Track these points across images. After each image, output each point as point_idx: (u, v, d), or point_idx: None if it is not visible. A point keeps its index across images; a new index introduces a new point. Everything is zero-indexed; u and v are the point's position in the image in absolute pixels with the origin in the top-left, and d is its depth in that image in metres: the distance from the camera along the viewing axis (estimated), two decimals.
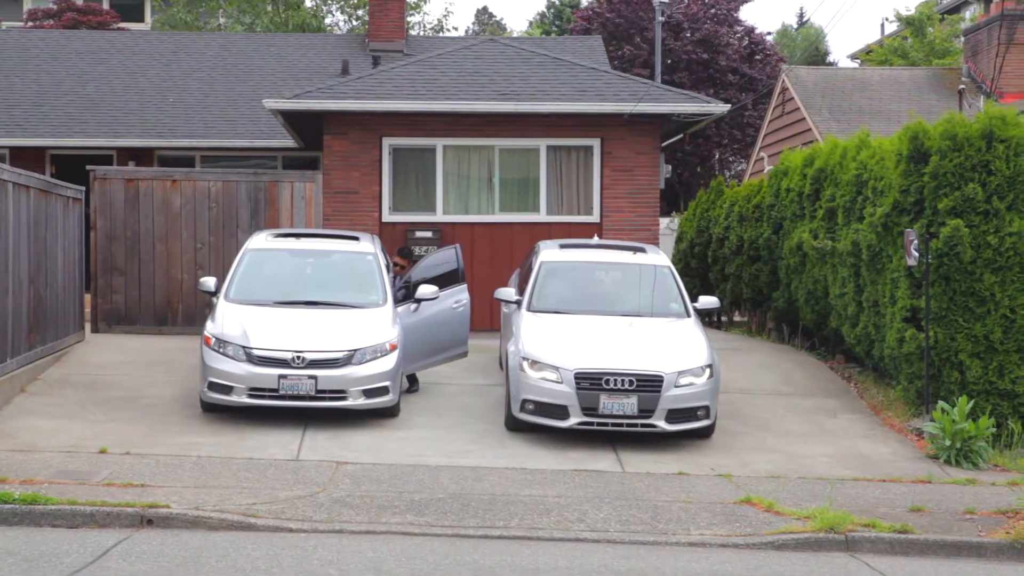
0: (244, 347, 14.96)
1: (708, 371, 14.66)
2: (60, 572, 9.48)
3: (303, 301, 16.00)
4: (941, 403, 15.09)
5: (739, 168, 47.07)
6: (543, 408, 14.46)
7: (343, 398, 14.94)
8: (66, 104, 28.42)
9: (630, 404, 14.27)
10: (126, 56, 30.80)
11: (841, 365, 19.84)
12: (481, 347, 19.24)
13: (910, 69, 38.30)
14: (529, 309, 15.75)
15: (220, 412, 15.31)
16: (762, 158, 36.22)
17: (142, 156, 27.22)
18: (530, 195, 22.16)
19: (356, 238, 17.57)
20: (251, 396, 14.83)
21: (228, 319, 15.46)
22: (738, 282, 25.18)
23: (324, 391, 14.85)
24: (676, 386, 14.37)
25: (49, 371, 17.24)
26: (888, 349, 16.59)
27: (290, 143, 26.39)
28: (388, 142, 21.89)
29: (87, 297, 20.50)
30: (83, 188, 19.91)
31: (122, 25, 42.67)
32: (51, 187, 17.85)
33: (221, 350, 15.03)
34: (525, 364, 14.55)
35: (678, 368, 14.45)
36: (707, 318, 28.92)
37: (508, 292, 16.27)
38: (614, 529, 11.51)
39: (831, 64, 62.50)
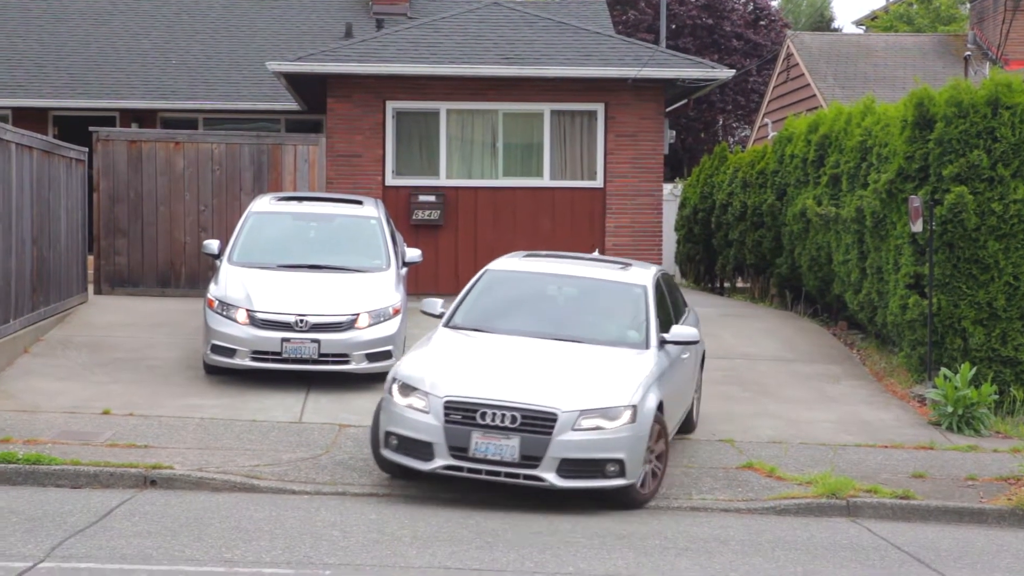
0: (248, 310, 14.97)
1: (630, 414, 10.96)
2: (64, 532, 9.51)
3: (306, 265, 16.00)
4: (944, 370, 15.10)
5: (743, 134, 46.97)
6: (406, 444, 11.03)
7: (346, 362, 14.95)
8: (69, 65, 28.34)
9: (510, 447, 10.74)
10: (129, 17, 30.68)
11: (844, 331, 19.86)
12: None
13: (915, 35, 38.15)
14: (447, 324, 12.47)
15: (223, 374, 15.33)
16: (766, 124, 36.13)
17: (145, 118, 27.16)
18: (534, 160, 22.11)
19: (359, 202, 17.55)
20: (254, 359, 14.85)
21: (231, 282, 15.47)
22: (741, 248, 25.17)
23: (327, 355, 14.86)
24: (575, 428, 10.78)
25: (52, 332, 17.26)
26: (891, 316, 16.59)
27: (293, 106, 26.33)
28: (392, 105, 21.83)
29: (90, 259, 20.50)
30: (86, 149, 19.88)
31: None
32: (54, 148, 17.82)
33: (224, 313, 15.04)
34: (395, 387, 11.25)
35: (582, 406, 10.87)
36: (710, 285, 29.02)
37: (434, 303, 12.99)
38: None
39: (836, 30, 62.24)
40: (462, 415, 10.82)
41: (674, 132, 24.78)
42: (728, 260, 26.35)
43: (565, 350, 11.80)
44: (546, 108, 21.99)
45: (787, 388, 16.34)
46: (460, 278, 20.82)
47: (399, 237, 17.56)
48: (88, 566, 8.60)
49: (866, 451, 13.55)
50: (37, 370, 15.41)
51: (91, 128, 21.69)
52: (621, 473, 10.93)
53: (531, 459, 10.73)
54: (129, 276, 21.12)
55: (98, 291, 20.88)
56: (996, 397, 15.00)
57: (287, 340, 14.80)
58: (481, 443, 10.76)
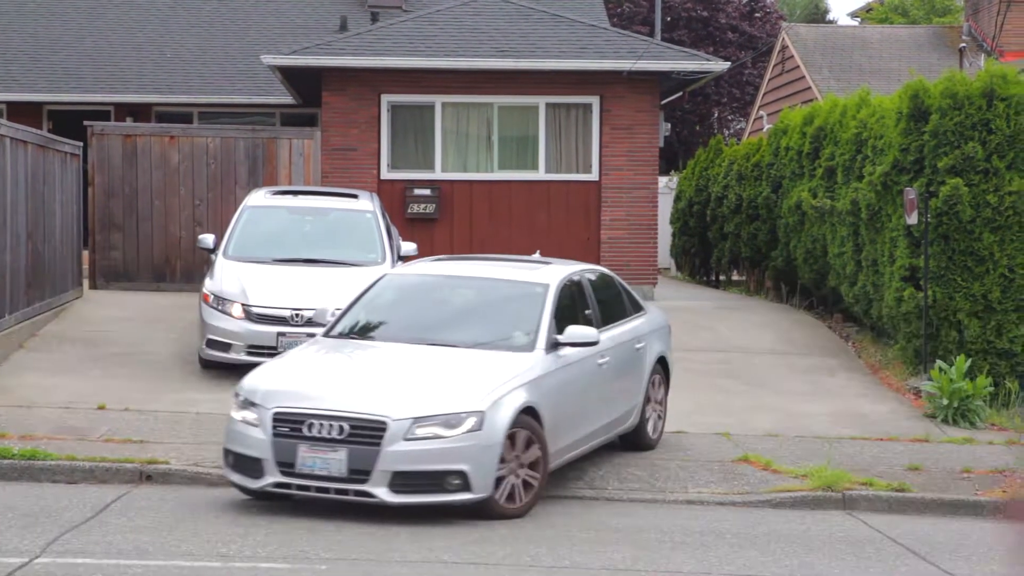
0: (243, 304, 14.96)
1: (474, 421, 9.98)
2: (60, 527, 9.51)
3: (302, 259, 15.99)
4: (939, 362, 15.11)
5: (738, 127, 46.96)
6: (240, 462, 10.29)
7: None
8: (63, 59, 28.30)
9: (337, 461, 9.87)
10: (123, 11, 30.62)
11: (839, 324, 19.87)
12: None
13: (910, 27, 38.15)
14: (327, 334, 11.69)
15: (219, 369, 15.32)
16: (761, 116, 36.12)
17: (140, 112, 27.11)
18: (529, 153, 22.09)
19: (355, 196, 17.54)
20: (250, 353, 14.83)
21: (227, 276, 15.46)
22: (737, 241, 25.17)
23: None
24: (409, 438, 9.85)
25: (47, 327, 17.24)
26: (886, 308, 16.59)
27: (288, 100, 26.30)
28: (387, 99, 21.80)
29: (85, 253, 20.48)
30: (81, 144, 19.86)
31: None
32: (49, 142, 17.79)
33: (220, 307, 15.03)
34: (235, 402, 10.53)
35: (417, 413, 9.93)
36: (705, 278, 29.01)
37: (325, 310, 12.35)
38: (612, 487, 11.55)
39: (831, 22, 62.21)
40: (289, 427, 10.01)
41: (669, 125, 24.79)
42: (723, 253, 26.36)
43: (433, 355, 10.88)
44: (541, 101, 21.96)
45: (783, 381, 16.34)
46: None
47: (394, 231, 17.55)
48: (84, 561, 8.59)
49: (862, 444, 13.56)
50: (32, 365, 15.40)
51: (86, 122, 21.68)
52: (465, 487, 9.95)
53: (360, 473, 9.84)
54: (124, 271, 21.11)
55: (93, 286, 20.87)
56: (991, 389, 15.01)
57: (283, 334, 14.79)
58: (307, 457, 9.92)
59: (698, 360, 17.14)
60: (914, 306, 15.79)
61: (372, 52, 21.50)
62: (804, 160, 20.97)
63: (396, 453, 9.82)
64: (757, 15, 47.00)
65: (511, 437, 10.22)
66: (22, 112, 26.01)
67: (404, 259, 16.73)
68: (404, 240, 17.70)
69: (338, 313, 12.00)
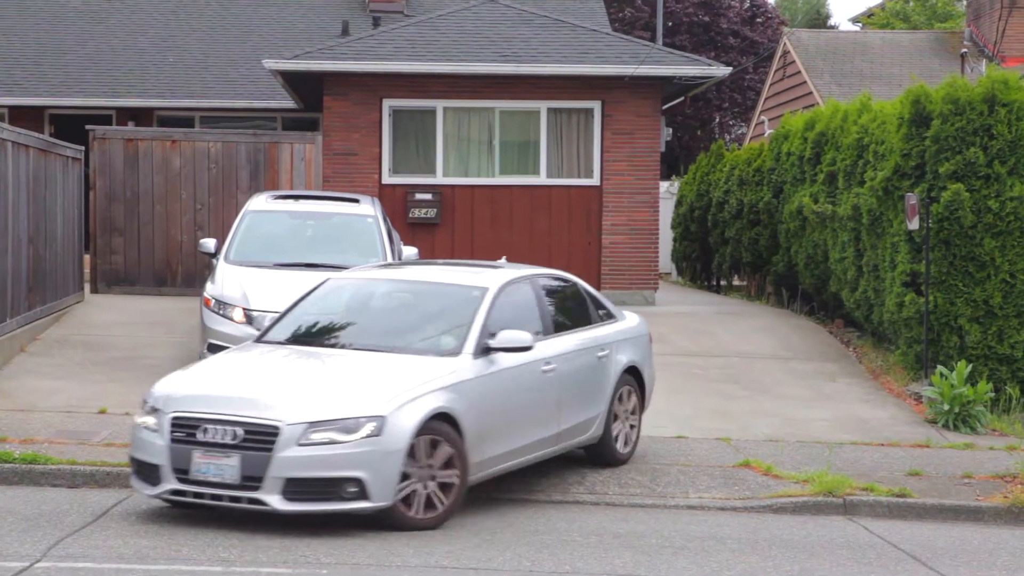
0: (244, 309, 14.96)
1: (373, 426, 9.59)
2: (61, 531, 9.51)
3: (303, 263, 15.98)
4: (940, 368, 15.11)
5: (740, 132, 46.97)
6: (142, 469, 10.00)
7: None
8: (65, 63, 28.32)
9: (230, 467, 9.54)
10: (125, 16, 30.66)
11: (840, 329, 19.87)
12: None
13: (912, 32, 38.17)
14: (259, 339, 11.46)
15: None
16: (763, 122, 36.13)
17: (141, 116, 27.14)
18: (530, 158, 22.11)
19: (356, 200, 17.54)
20: None
21: (228, 281, 15.45)
22: (738, 246, 25.17)
23: None
24: (303, 443, 9.47)
25: (49, 331, 17.25)
26: (887, 313, 16.59)
27: (290, 104, 26.32)
28: (388, 103, 21.82)
29: (86, 257, 20.49)
30: (82, 148, 19.87)
31: None
32: (50, 147, 17.81)
33: (221, 311, 15.02)
34: (142, 407, 10.27)
35: (312, 417, 9.56)
36: (706, 283, 29.02)
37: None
38: (613, 492, 11.55)
39: (832, 27, 62.25)
40: (185, 433, 9.69)
41: (670, 130, 24.78)
42: (724, 258, 26.36)
43: (352, 359, 10.56)
44: (543, 106, 21.99)
45: (783, 386, 16.34)
46: None
47: (396, 235, 17.55)
48: (85, 566, 8.59)
49: (862, 449, 13.56)
50: (34, 369, 15.40)
51: (87, 126, 21.70)
52: (362, 495, 9.54)
53: (253, 480, 9.47)
54: (125, 275, 21.12)
55: (94, 290, 20.88)
56: (992, 395, 15.00)
57: None
58: (201, 463, 9.58)
59: (699, 365, 17.15)
60: (915, 311, 15.79)
61: (374, 57, 21.52)
62: (805, 165, 20.98)
63: (289, 459, 9.46)
64: (758, 20, 47.02)
65: (420, 444, 9.81)
66: (24, 116, 26.04)
67: None
68: (406, 245, 17.70)
69: (265, 320, 11.65)
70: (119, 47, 29.20)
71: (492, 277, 11.51)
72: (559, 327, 11.85)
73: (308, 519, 9.70)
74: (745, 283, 27.03)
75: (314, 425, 9.54)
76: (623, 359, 12.39)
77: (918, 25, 46.60)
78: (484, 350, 10.66)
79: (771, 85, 36.14)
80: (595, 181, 21.94)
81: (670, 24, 44.04)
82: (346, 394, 9.85)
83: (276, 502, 9.46)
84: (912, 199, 15.44)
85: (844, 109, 19.72)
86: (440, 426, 9.98)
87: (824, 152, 20.15)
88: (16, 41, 29.13)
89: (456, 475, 10.09)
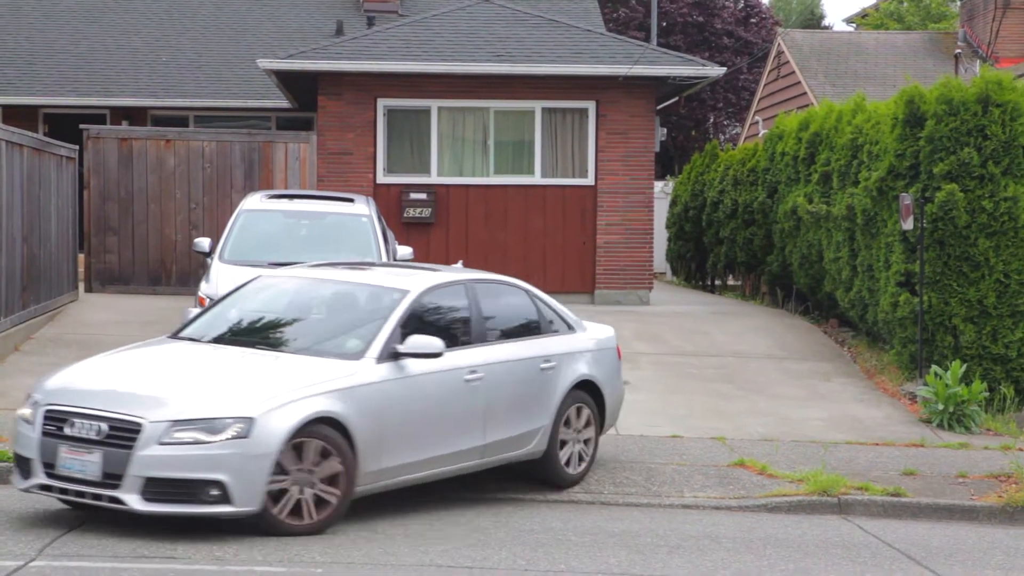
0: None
1: (239, 427, 9.23)
2: (56, 530, 9.49)
3: (298, 263, 15.94)
4: (934, 367, 15.12)
5: (734, 132, 46.99)
6: (19, 462, 9.83)
7: None
8: (59, 63, 28.29)
9: (92, 463, 9.25)
10: (119, 15, 30.62)
11: (835, 329, 19.88)
12: None
13: (906, 33, 38.21)
14: (173, 335, 11.13)
15: None
16: (757, 122, 36.15)
17: (135, 115, 27.11)
18: (525, 157, 22.11)
19: (351, 200, 17.53)
20: None
21: (222, 280, 15.39)
22: (732, 246, 25.19)
23: None
24: (164, 442, 9.14)
25: (43, 330, 17.22)
26: (882, 313, 16.61)
27: (284, 104, 26.30)
28: (383, 103, 21.82)
29: (81, 256, 20.48)
30: (76, 147, 19.85)
31: None
32: (44, 146, 17.79)
33: None
34: (26, 400, 10.11)
35: (177, 416, 9.22)
36: (701, 282, 29.04)
37: (189, 312, 11.32)
38: (608, 491, 11.55)
39: (827, 28, 62.31)
40: (55, 426, 9.46)
41: (665, 130, 24.80)
42: (719, 258, 26.38)
43: (247, 358, 10.18)
44: (537, 106, 21.99)
45: (778, 386, 16.35)
46: None
47: (390, 235, 17.54)
48: (80, 565, 8.58)
49: (857, 449, 13.57)
50: (28, 368, 15.37)
51: (81, 126, 21.68)
52: (224, 499, 9.18)
53: (113, 478, 9.17)
54: (120, 274, 21.10)
55: (89, 289, 20.86)
56: (986, 394, 15.02)
57: None
58: (66, 458, 9.31)
59: (694, 365, 17.16)
60: (909, 311, 15.80)
61: (368, 56, 21.51)
62: (800, 165, 20.99)
63: (149, 458, 9.12)
64: (753, 21, 47.05)
65: (298, 448, 9.44)
66: (18, 115, 26.00)
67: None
68: (400, 244, 17.70)
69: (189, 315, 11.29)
70: (113, 46, 29.16)
71: (417, 280, 11.02)
72: (495, 335, 11.30)
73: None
74: (740, 283, 27.06)
75: (177, 424, 9.19)
76: (574, 373, 11.65)
77: (912, 25, 46.65)
78: (392, 355, 10.21)
79: (765, 85, 36.17)
80: (590, 181, 21.95)
81: (664, 24, 44.07)
82: (219, 394, 9.48)
83: (135, 502, 9.16)
84: (906, 199, 15.46)
85: (838, 109, 19.74)
86: (325, 431, 9.59)
87: (818, 152, 20.16)
88: (9, 40, 29.09)
89: (339, 481, 9.65)
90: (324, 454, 9.58)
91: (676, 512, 11.23)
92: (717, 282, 28.38)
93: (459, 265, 13.10)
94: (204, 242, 16.42)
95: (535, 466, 11.47)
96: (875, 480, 12.15)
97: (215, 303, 11.47)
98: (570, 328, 12.04)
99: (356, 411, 9.78)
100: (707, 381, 16.37)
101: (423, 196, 21.65)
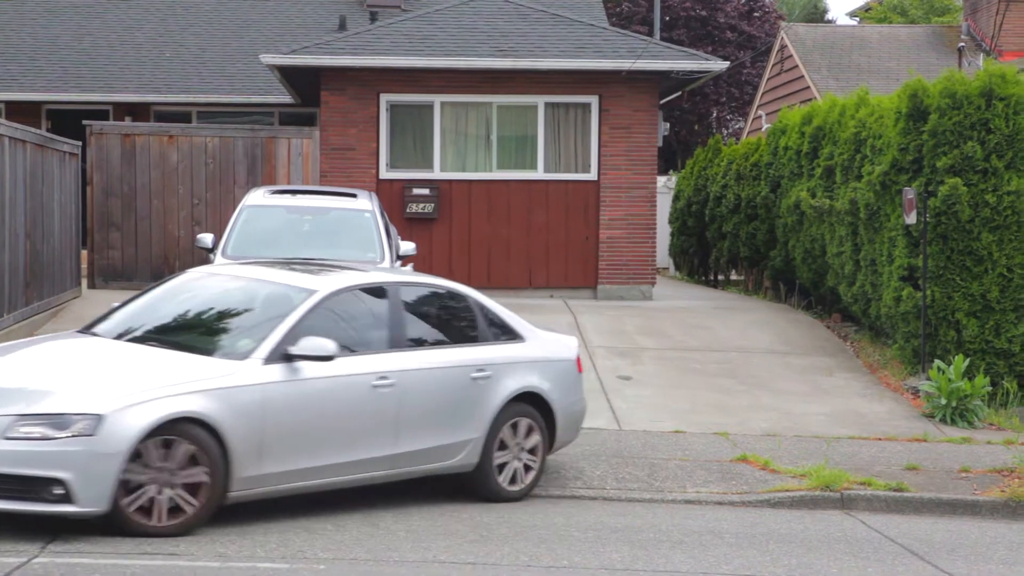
0: None
1: (85, 424, 8.91)
2: (58, 526, 9.48)
3: (300, 258, 15.94)
4: (937, 362, 15.12)
5: (737, 126, 46.96)
6: None
7: None
8: (62, 58, 28.29)
9: None
10: (122, 11, 30.63)
11: (838, 324, 19.87)
12: None
13: (909, 27, 38.16)
14: (84, 329, 10.92)
15: None
16: (760, 116, 36.12)
17: (138, 111, 27.12)
18: (528, 152, 22.09)
19: (354, 195, 17.52)
20: None
21: None
22: (735, 240, 25.18)
23: None
24: (9, 437, 8.85)
25: (46, 327, 17.22)
26: (885, 308, 16.60)
27: (287, 99, 26.30)
28: (386, 98, 21.80)
29: (83, 253, 20.47)
30: (79, 143, 19.84)
31: None
32: (47, 142, 17.79)
33: None
34: None
35: (24, 410, 8.96)
36: (704, 277, 29.02)
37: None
38: (611, 487, 11.55)
39: (830, 22, 62.22)
40: None
41: (668, 124, 24.80)
42: (722, 253, 26.37)
43: (129, 354, 9.92)
44: (540, 100, 21.97)
45: (781, 381, 16.35)
46: (454, 271, 20.81)
47: (393, 230, 17.53)
48: (82, 561, 8.58)
49: (860, 443, 13.57)
50: None
51: (84, 122, 21.67)
52: (67, 498, 8.85)
53: None
54: (123, 270, 21.10)
55: (91, 285, 20.86)
56: (989, 389, 15.03)
57: None
58: None
59: (696, 360, 17.16)
60: (912, 306, 15.79)
61: (371, 51, 21.50)
62: (803, 160, 20.97)
63: None
64: (756, 15, 46.99)
65: (158, 447, 9.10)
66: (21, 111, 26.02)
67: (403, 259, 16.72)
68: (403, 239, 17.68)
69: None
70: (116, 42, 29.17)
71: (330, 281, 10.61)
72: (418, 341, 10.83)
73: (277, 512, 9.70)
74: (743, 277, 27.04)
75: (23, 419, 8.90)
76: (515, 384, 11.07)
77: (915, 19, 46.59)
78: (285, 356, 9.82)
79: (768, 80, 36.13)
80: (592, 176, 21.93)
81: (667, 19, 44.01)
82: (74, 390, 9.15)
83: None
84: (910, 193, 15.44)
85: (841, 103, 19.72)
86: (191, 431, 9.22)
87: (822, 146, 20.14)
88: (12, 36, 29.10)
89: (200, 489, 9.28)
90: (189, 455, 9.23)
91: (679, 507, 11.24)
92: (720, 277, 28.36)
93: (409, 268, 12.53)
94: (207, 238, 16.43)
95: (469, 480, 10.99)
96: (878, 475, 12.14)
97: (136, 296, 11.23)
98: (517, 337, 11.43)
99: (230, 412, 9.41)
100: (710, 376, 16.37)
101: (426, 191, 21.64)
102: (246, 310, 10.61)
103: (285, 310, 10.16)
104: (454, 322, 11.32)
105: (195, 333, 10.45)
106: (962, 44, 31.84)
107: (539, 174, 21.96)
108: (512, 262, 21.70)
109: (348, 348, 10.23)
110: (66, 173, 18.70)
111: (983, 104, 15.50)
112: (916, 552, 10.18)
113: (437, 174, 21.83)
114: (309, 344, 9.83)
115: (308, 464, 9.89)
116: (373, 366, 10.29)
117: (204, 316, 10.78)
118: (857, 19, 53.19)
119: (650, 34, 35.25)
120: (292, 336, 9.91)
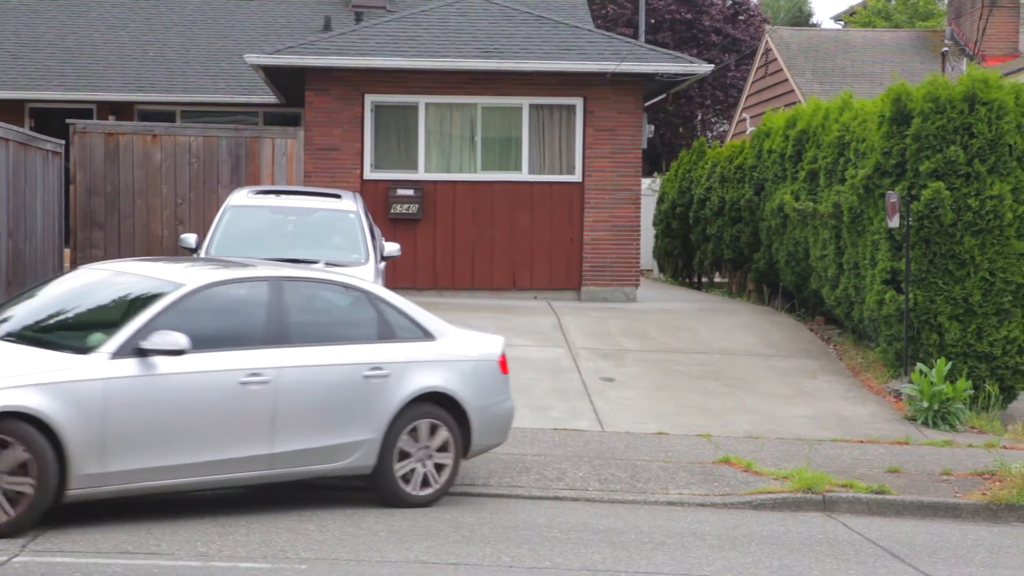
0: None
1: None
2: (42, 524, 9.45)
3: (284, 259, 15.90)
4: (919, 365, 15.16)
5: (721, 129, 47.03)
6: None
7: None
8: (45, 57, 28.21)
9: None
10: (106, 9, 30.55)
11: (821, 327, 19.91)
12: (446, 304, 19.22)
13: (893, 31, 38.28)
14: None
15: None
16: (744, 119, 36.19)
17: (122, 110, 27.05)
18: (512, 154, 22.08)
19: (338, 196, 17.49)
20: None
21: None
22: (719, 243, 25.21)
23: None
24: None
25: None
26: (868, 311, 16.64)
27: (271, 99, 26.26)
28: (370, 99, 21.78)
29: (66, 251, 20.42)
30: (63, 142, 19.80)
31: None
32: (30, 140, 17.74)
33: None
34: None
35: None
36: (687, 279, 29.06)
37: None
38: (593, 488, 11.56)
39: (814, 26, 62.37)
40: None
41: (652, 127, 24.82)
42: (706, 255, 26.40)
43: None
44: (525, 102, 21.97)
45: (764, 383, 16.37)
46: (438, 272, 20.81)
47: (377, 231, 17.51)
48: (63, 560, 8.56)
49: (842, 446, 13.60)
50: None
51: (68, 120, 21.59)
52: None
53: None
54: None
55: None
56: (971, 392, 15.07)
57: None
58: None
59: (680, 362, 17.17)
60: (895, 309, 15.83)
61: (356, 52, 21.47)
62: (787, 163, 21.01)
63: None
64: (741, 18, 47.08)
65: None
66: (4, 110, 25.93)
67: (387, 259, 16.71)
68: (387, 240, 17.66)
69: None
70: (100, 41, 29.10)
71: (200, 274, 10.28)
72: (303, 337, 10.35)
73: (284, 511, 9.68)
74: (726, 280, 27.07)
75: None
76: (417, 384, 10.64)
77: (900, 24, 46.74)
78: (137, 351, 9.50)
79: (753, 83, 36.20)
80: (577, 177, 21.94)
81: (652, 21, 44.06)
82: None
83: None
84: (892, 197, 15.48)
85: (825, 107, 19.76)
86: (18, 427, 8.98)
87: (805, 150, 20.18)
88: None
89: (30, 484, 9.02)
90: (14, 453, 8.98)
91: (661, 509, 11.24)
92: (704, 279, 28.40)
93: (321, 264, 12.42)
94: (190, 238, 16.38)
95: (369, 482, 10.64)
96: (860, 478, 12.17)
97: (21, 293, 10.99)
98: (426, 336, 10.94)
99: (67, 408, 9.13)
100: (693, 378, 16.39)
101: (410, 192, 21.62)
102: (114, 305, 10.26)
103: (146, 305, 9.84)
104: (348, 319, 10.88)
105: (57, 329, 10.17)
106: (946, 49, 31.95)
107: (524, 175, 21.96)
108: (496, 263, 21.69)
109: (215, 344, 9.92)
110: (49, 172, 18.66)
111: (966, 108, 15.55)
112: (897, 554, 10.20)
113: (422, 175, 21.82)
114: (160, 339, 9.51)
115: (163, 462, 9.59)
116: (243, 362, 9.93)
117: (72, 312, 10.46)
118: (842, 23, 53.33)
119: (635, 37, 35.29)
120: (146, 330, 9.59)
